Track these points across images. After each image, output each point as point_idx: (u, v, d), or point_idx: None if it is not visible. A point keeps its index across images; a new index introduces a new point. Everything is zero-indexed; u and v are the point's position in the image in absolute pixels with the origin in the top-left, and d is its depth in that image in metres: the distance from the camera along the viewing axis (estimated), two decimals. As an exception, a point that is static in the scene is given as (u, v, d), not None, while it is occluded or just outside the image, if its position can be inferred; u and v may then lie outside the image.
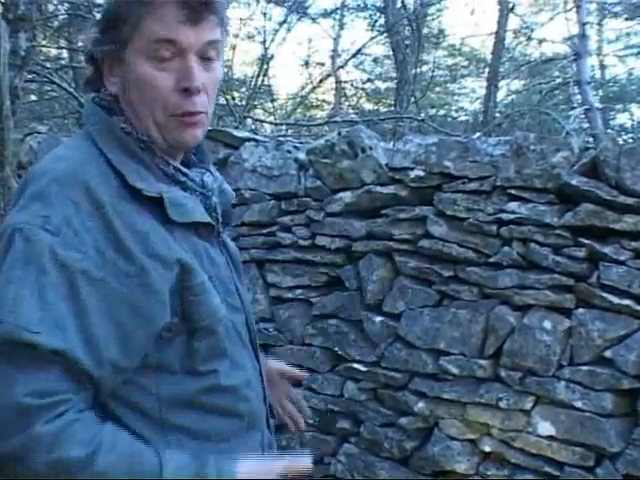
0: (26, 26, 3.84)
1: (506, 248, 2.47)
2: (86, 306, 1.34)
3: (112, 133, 1.50)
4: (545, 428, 2.42)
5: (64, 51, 10.41)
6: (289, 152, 3.10)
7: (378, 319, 2.75)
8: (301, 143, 3.27)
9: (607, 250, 2.31)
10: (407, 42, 8.71)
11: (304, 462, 1.52)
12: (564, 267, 2.37)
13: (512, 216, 2.44)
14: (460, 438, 2.59)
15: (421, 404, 2.64)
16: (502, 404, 2.47)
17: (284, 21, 9.32)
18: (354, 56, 9.90)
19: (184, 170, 1.56)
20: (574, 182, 2.35)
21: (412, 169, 2.64)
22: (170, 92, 1.45)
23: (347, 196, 2.81)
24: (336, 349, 2.82)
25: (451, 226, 2.56)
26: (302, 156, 2.99)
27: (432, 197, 2.61)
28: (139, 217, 1.42)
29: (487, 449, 2.55)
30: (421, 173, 2.62)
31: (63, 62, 9.64)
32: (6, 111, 3.44)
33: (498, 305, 2.51)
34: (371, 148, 2.75)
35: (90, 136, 1.50)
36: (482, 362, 2.51)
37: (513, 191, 2.46)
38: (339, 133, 2.85)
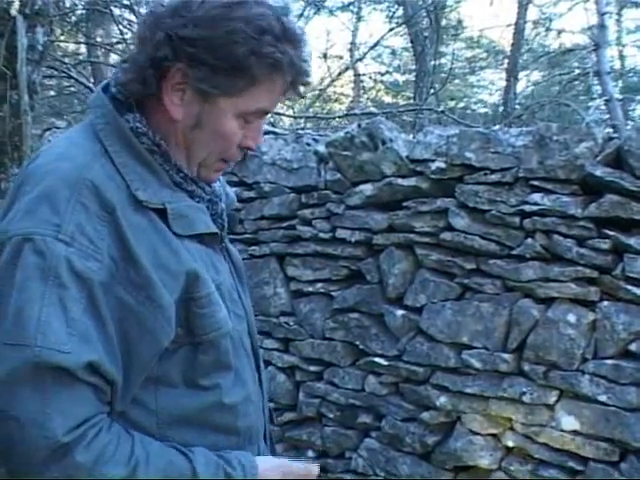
0: (43, 21, 3.83)
1: (529, 240, 2.44)
2: (105, 318, 1.30)
3: (120, 131, 1.43)
4: (569, 423, 2.40)
5: (82, 46, 10.43)
6: (308, 145, 3.07)
7: (399, 313, 2.72)
8: (320, 136, 3.25)
9: (632, 241, 2.28)
10: (426, 34, 8.65)
11: (314, 470, 1.54)
12: (588, 259, 2.34)
13: (535, 208, 2.41)
14: (483, 433, 2.56)
15: (443, 399, 2.62)
16: (525, 398, 2.44)
17: (301, 14, 9.29)
18: (372, 48, 9.84)
19: (195, 179, 1.53)
20: (598, 173, 2.32)
21: (433, 161, 2.61)
22: (233, 143, 1.45)
23: (367, 189, 2.79)
24: (357, 343, 2.80)
25: (473, 218, 2.53)
26: (322, 149, 2.96)
27: (454, 189, 2.57)
28: (147, 224, 1.37)
29: (510, 444, 2.52)
30: (442, 165, 2.58)
31: (81, 57, 9.64)
32: (24, 106, 3.43)
33: (521, 298, 2.48)
34: (391, 140, 2.72)
35: (94, 131, 1.44)
36: (505, 356, 2.48)
37: (536, 182, 2.43)
38: (359, 125, 2.82)
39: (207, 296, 1.41)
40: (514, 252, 2.47)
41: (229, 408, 1.49)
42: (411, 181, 2.67)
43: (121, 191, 1.35)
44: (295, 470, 1.52)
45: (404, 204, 2.69)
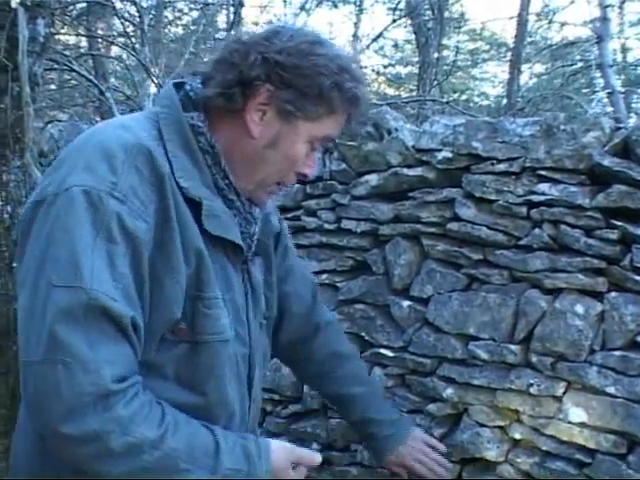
0: (44, 13, 3.82)
1: (536, 230, 2.41)
2: (145, 278, 1.38)
3: (179, 124, 1.50)
4: (577, 414, 2.36)
5: (84, 40, 10.47)
6: None
7: (405, 304, 2.70)
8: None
9: (640, 232, 2.25)
10: (429, 25, 8.64)
11: (318, 458, 1.67)
12: (596, 250, 2.32)
13: (542, 198, 2.38)
14: (490, 425, 2.54)
15: (450, 390, 2.60)
16: (533, 390, 2.42)
17: (303, 7, 9.28)
18: (375, 40, 9.85)
19: (237, 190, 1.56)
20: (606, 163, 2.30)
21: (439, 150, 2.58)
22: (294, 169, 1.57)
23: (373, 179, 2.76)
24: (363, 334, 2.78)
25: (480, 208, 2.51)
26: (326, 139, 2.92)
27: (460, 179, 2.55)
28: (184, 207, 1.45)
29: (517, 436, 2.50)
30: (449, 154, 2.56)
31: (82, 51, 9.67)
32: (26, 97, 3.43)
33: (528, 289, 2.46)
34: (397, 130, 2.70)
35: (156, 119, 1.51)
36: (512, 347, 2.45)
37: (543, 172, 2.40)
38: (364, 115, 2.79)
39: (214, 299, 1.48)
40: (521, 242, 2.45)
41: (210, 417, 1.54)
42: (417, 171, 2.65)
43: (172, 171, 1.44)
44: (299, 454, 1.63)
45: (410, 194, 2.66)
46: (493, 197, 2.46)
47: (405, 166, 2.67)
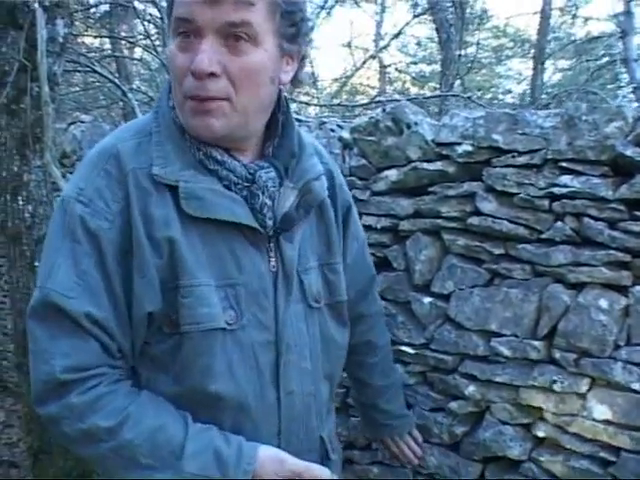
0: (63, 13, 3.83)
1: (559, 224, 2.36)
2: (112, 274, 1.43)
3: (166, 116, 1.54)
4: (601, 412, 2.32)
5: (107, 43, 10.57)
6: (332, 131, 3.03)
7: (427, 300, 2.66)
8: (344, 122, 3.20)
9: (665, 224, 2.20)
10: (451, 22, 8.60)
11: (323, 473, 1.55)
12: (620, 242, 2.27)
13: (565, 190, 2.33)
14: (512, 423, 2.50)
15: (472, 388, 2.56)
16: (556, 387, 2.37)
17: (322, 6, 9.26)
18: (397, 36, 9.81)
19: (219, 158, 1.52)
20: (629, 153, 2.25)
21: (459, 144, 2.54)
22: (185, 73, 1.44)
23: (393, 174, 2.73)
24: (389, 336, 2.74)
25: (501, 202, 2.47)
26: (346, 135, 2.90)
27: (481, 172, 2.50)
28: (158, 200, 1.46)
29: (541, 434, 2.46)
30: (469, 148, 2.52)
31: (105, 53, 9.75)
32: (45, 97, 3.43)
33: (551, 283, 2.41)
34: (416, 124, 2.66)
35: (153, 114, 1.57)
36: (535, 343, 2.41)
37: (565, 164, 2.35)
38: (383, 110, 2.77)
39: (191, 287, 1.46)
40: (543, 236, 2.40)
41: (208, 411, 1.54)
42: (437, 165, 2.61)
43: (144, 163, 1.47)
44: (296, 468, 1.52)
45: (430, 189, 2.63)
46: (514, 190, 2.42)
47: (425, 160, 2.63)
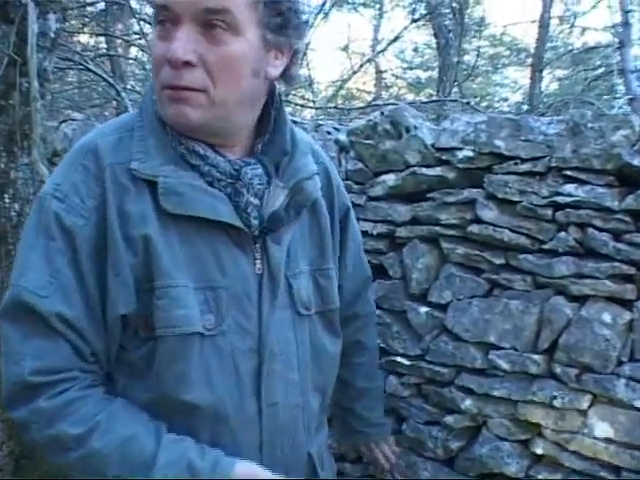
0: (56, 7, 3.78)
1: (562, 234, 2.30)
2: (86, 274, 1.38)
3: (149, 110, 1.49)
4: (602, 429, 2.26)
5: (102, 42, 10.60)
6: (329, 133, 2.96)
7: (423, 310, 2.59)
8: (341, 124, 3.14)
9: (672, 237, 2.14)
10: (449, 27, 8.59)
11: None
12: (625, 255, 2.20)
13: (569, 199, 2.27)
14: (510, 439, 2.43)
15: (468, 401, 2.49)
16: (556, 403, 2.31)
17: (320, 10, 9.23)
18: (395, 40, 9.78)
19: (202, 152, 1.45)
20: (635, 162, 2.19)
21: (460, 149, 2.48)
22: (163, 62, 1.38)
23: (390, 179, 2.66)
24: (378, 341, 2.67)
25: (502, 210, 2.40)
26: (343, 137, 2.84)
27: (482, 179, 2.44)
28: (135, 196, 1.41)
29: (539, 451, 2.39)
30: (470, 153, 2.45)
31: (100, 52, 9.75)
32: (34, 93, 3.36)
33: (553, 295, 2.34)
34: (416, 127, 2.59)
35: (138, 109, 1.52)
36: (535, 357, 2.34)
37: (569, 172, 2.29)
38: (382, 113, 2.70)
39: (165, 288, 1.39)
40: (546, 246, 2.34)
41: (182, 420, 1.46)
42: (436, 171, 2.54)
43: (123, 158, 1.42)
44: None
45: (429, 195, 2.56)
46: (516, 198, 2.36)
47: (424, 165, 2.57)
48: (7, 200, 3.51)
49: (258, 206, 1.50)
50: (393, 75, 12.21)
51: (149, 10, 7.81)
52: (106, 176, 1.40)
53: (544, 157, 2.34)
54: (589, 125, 2.27)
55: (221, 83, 1.39)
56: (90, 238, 1.38)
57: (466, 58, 11.29)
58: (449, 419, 2.55)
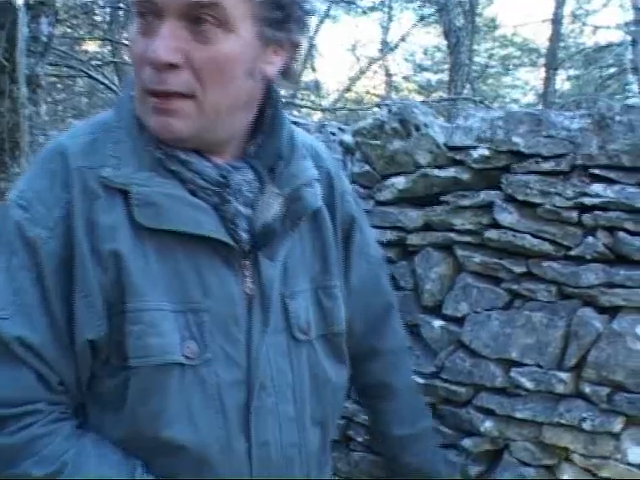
0: (48, 11, 3.70)
1: (590, 239, 2.19)
2: (51, 293, 1.25)
3: (126, 107, 1.36)
4: (636, 454, 2.15)
5: (106, 49, 10.79)
6: (333, 134, 2.87)
7: (437, 323, 2.48)
8: (346, 125, 3.01)
9: None
10: (460, 26, 8.56)
11: None
12: (660, 261, 2.09)
13: (596, 200, 2.16)
14: (534, 464, 2.31)
15: (488, 423, 2.35)
16: (585, 425, 2.18)
17: (327, 14, 9.23)
18: (404, 39, 9.79)
19: (182, 157, 1.27)
20: (670, 159, 2.08)
21: (475, 148, 2.36)
22: (144, 61, 1.23)
23: (400, 182, 2.54)
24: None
25: (523, 213, 2.29)
26: (348, 138, 2.72)
27: (499, 180, 2.33)
28: (105, 204, 1.27)
29: (566, 477, 2.27)
30: (486, 152, 2.33)
31: (101, 60, 9.92)
32: (22, 99, 3.25)
33: (581, 307, 2.23)
34: (426, 125, 2.47)
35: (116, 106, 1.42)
36: (562, 375, 2.22)
37: (596, 171, 2.18)
38: (389, 110, 2.58)
39: (138, 311, 1.24)
40: (572, 253, 2.22)
41: (160, 462, 1.33)
42: (450, 172, 2.43)
43: (95, 162, 1.29)
44: None
45: (442, 198, 2.45)
46: (538, 200, 2.25)
47: (436, 166, 2.47)
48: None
49: (249, 216, 1.33)
50: (403, 78, 12.27)
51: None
52: (74, 182, 1.26)
53: (568, 154, 2.23)
54: (617, 118, 2.15)
55: (211, 87, 1.23)
56: (55, 252, 1.24)
57: (477, 59, 11.32)
58: (467, 442, 2.42)
